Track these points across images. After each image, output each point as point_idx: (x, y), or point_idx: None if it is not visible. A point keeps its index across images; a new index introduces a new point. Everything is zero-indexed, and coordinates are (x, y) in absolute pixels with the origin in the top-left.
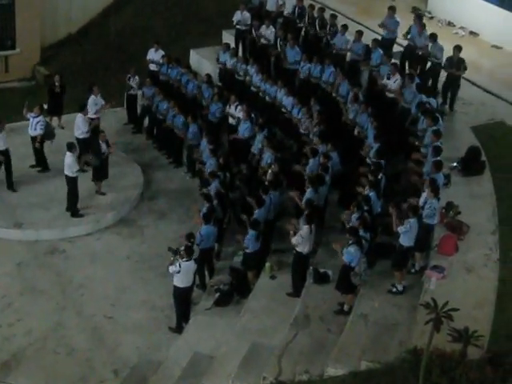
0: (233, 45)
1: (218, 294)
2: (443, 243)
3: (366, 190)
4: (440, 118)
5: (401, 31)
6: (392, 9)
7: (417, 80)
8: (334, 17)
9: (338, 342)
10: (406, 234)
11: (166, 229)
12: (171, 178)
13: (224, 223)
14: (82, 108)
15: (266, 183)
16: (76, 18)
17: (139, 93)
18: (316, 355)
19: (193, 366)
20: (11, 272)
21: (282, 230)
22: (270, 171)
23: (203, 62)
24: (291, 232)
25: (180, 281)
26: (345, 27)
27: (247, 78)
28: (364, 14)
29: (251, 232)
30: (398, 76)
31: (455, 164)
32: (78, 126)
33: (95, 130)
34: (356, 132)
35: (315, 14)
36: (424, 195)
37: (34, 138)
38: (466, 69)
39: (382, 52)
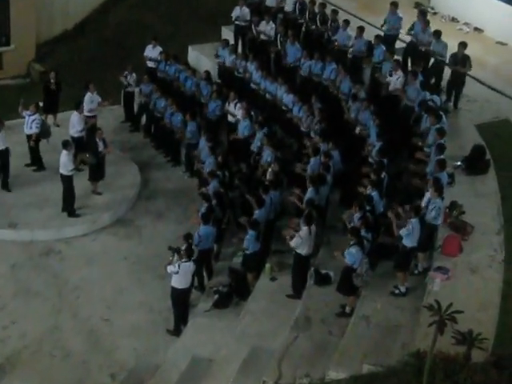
0: (232, 41)
1: (216, 296)
2: (447, 244)
3: (368, 189)
4: (444, 116)
5: (404, 27)
6: (394, 4)
7: (420, 77)
8: (335, 12)
9: (339, 345)
10: (408, 235)
11: (164, 229)
12: (169, 177)
13: (223, 223)
14: (78, 106)
15: (266, 183)
16: (72, 14)
17: (137, 90)
18: (317, 358)
19: (191, 369)
20: (5, 273)
21: (282, 231)
22: (269, 170)
23: (202, 58)
24: (287, 237)
25: (178, 282)
26: (346, 22)
27: (247, 74)
28: (365, 10)
29: (251, 232)
30: (400, 73)
31: (459, 163)
32: (73, 124)
33: (92, 127)
34: (358, 130)
35: (316, 10)
36: (427, 195)
37: (29, 137)
38: (471, 66)
39: (384, 48)
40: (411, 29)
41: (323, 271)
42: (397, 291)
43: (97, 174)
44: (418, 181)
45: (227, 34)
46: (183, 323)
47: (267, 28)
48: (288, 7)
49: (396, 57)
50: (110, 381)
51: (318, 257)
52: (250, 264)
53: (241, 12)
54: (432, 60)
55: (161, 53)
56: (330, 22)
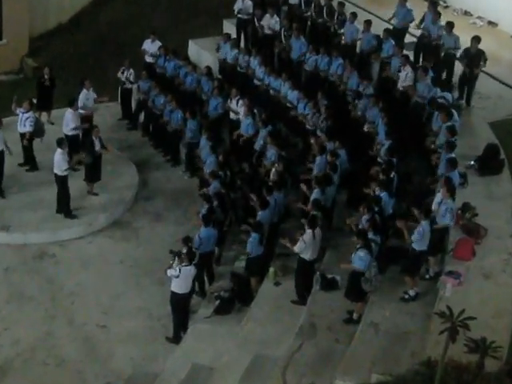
0: (234, 35)
1: (218, 302)
2: (459, 247)
3: (376, 190)
4: (456, 114)
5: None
6: None
7: (431, 73)
8: (341, 5)
9: (346, 353)
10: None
11: (163, 231)
12: (168, 177)
13: (225, 225)
14: (72, 103)
15: (270, 183)
16: (67, 7)
17: (134, 86)
18: (323, 367)
19: (191, 378)
20: None
21: (287, 233)
22: (273, 170)
23: (202, 53)
24: (287, 244)
25: (178, 286)
26: (354, 15)
27: (249, 70)
28: (373, 3)
29: (254, 235)
30: (408, 68)
31: (472, 162)
32: (66, 121)
33: (89, 127)
34: (366, 128)
35: (322, 2)
36: (439, 195)
37: (22, 135)
38: (486, 61)
39: (393, 43)
40: (421, 22)
41: (329, 276)
42: (406, 296)
43: (93, 174)
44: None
45: (229, 27)
46: (183, 330)
47: (271, 21)
48: None
49: (405, 51)
50: None
51: (324, 261)
52: (253, 268)
53: (243, 4)
54: (442, 54)
55: (160, 47)
56: (336, 15)
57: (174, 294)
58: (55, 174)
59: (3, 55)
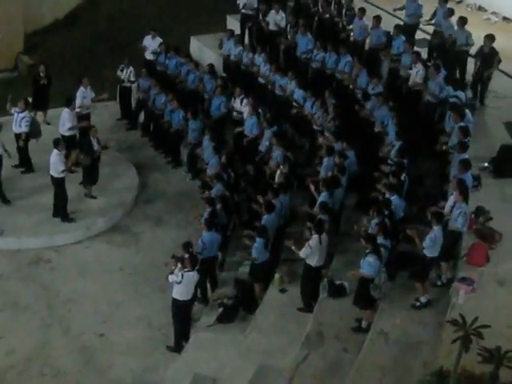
0: (238, 31)
1: (221, 309)
2: (473, 253)
3: (386, 192)
4: (469, 114)
5: (425, 16)
6: None
7: (443, 71)
8: None
9: (355, 363)
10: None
11: (164, 236)
12: (169, 179)
13: (228, 230)
14: (69, 102)
15: (275, 185)
16: (64, 2)
17: (134, 85)
18: (330, 378)
19: None
20: None
21: (292, 237)
22: (278, 172)
23: (205, 50)
24: (293, 247)
25: (179, 293)
26: (362, 11)
27: (254, 68)
28: None
29: (259, 240)
30: (420, 66)
31: (486, 164)
32: (63, 121)
33: (85, 128)
34: (376, 128)
35: None
36: (451, 198)
37: (18, 136)
38: (500, 62)
39: (404, 39)
40: (432, 17)
41: (337, 282)
42: (417, 303)
43: (91, 176)
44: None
45: (233, 23)
46: (184, 339)
47: (276, 17)
48: None
49: (417, 48)
50: None
51: (331, 266)
52: (258, 274)
53: None
54: (456, 51)
55: (160, 44)
56: (344, 10)
57: (175, 300)
58: (51, 176)
59: None
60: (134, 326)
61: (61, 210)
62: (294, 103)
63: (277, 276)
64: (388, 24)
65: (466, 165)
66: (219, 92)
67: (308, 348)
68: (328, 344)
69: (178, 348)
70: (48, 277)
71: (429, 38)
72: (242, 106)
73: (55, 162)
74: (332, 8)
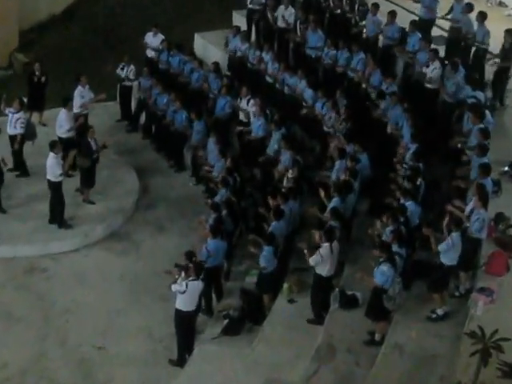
0: (244, 28)
1: (226, 321)
2: (492, 262)
3: (401, 198)
4: (489, 115)
5: (440, 11)
6: None
7: (462, 70)
8: None
9: (367, 378)
10: (447, 251)
11: (166, 244)
12: (172, 184)
13: (234, 237)
14: (66, 102)
15: (284, 190)
16: None
17: (135, 84)
18: None
19: None
20: None
21: (299, 243)
22: (287, 176)
23: (210, 47)
24: (305, 251)
25: (183, 303)
26: (376, 6)
27: (261, 66)
28: None
29: (267, 248)
30: (437, 64)
31: (506, 168)
32: (60, 123)
33: (82, 127)
34: (389, 130)
35: None
36: (470, 204)
37: (12, 138)
38: None
39: (420, 36)
40: (449, 12)
41: (349, 292)
42: (434, 315)
43: (89, 179)
44: (459, 182)
45: (239, 19)
46: (188, 352)
47: (285, 13)
48: None
49: (433, 46)
50: None
51: (343, 276)
52: (266, 284)
53: None
54: (474, 49)
55: (163, 41)
56: (357, 5)
57: (178, 311)
58: (48, 181)
59: None
60: (134, 337)
61: (58, 216)
62: (304, 103)
63: (285, 286)
64: (403, 20)
65: (485, 169)
66: (225, 92)
67: (318, 362)
68: (339, 358)
69: (180, 361)
70: (44, 286)
71: (446, 34)
72: (248, 106)
73: (52, 166)
74: (344, 3)
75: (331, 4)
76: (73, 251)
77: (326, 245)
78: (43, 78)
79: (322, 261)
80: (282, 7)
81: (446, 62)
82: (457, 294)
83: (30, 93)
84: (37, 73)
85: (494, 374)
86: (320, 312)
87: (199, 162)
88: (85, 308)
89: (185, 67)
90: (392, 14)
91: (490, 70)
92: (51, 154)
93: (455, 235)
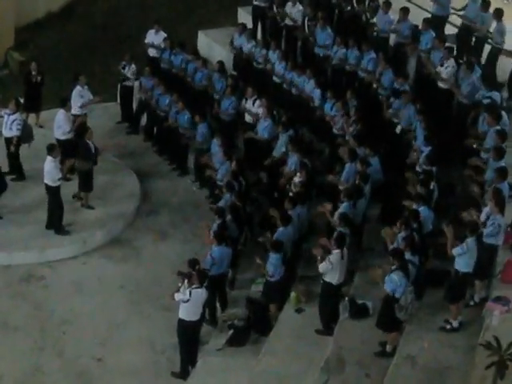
0: (250, 25)
1: (231, 331)
2: (508, 269)
3: (414, 203)
4: (505, 116)
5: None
6: None
7: (478, 70)
8: None
9: None
10: (462, 256)
11: (168, 251)
12: (174, 188)
13: (239, 243)
14: (65, 102)
15: (292, 195)
16: None
17: (136, 84)
18: None
19: None
20: None
21: (310, 253)
22: (295, 180)
23: (214, 46)
24: (318, 257)
25: (186, 313)
26: (387, 4)
27: (268, 65)
28: None
29: (275, 256)
30: (451, 62)
31: None
32: (59, 124)
33: (80, 128)
34: (398, 130)
35: None
36: (486, 209)
37: (8, 140)
38: None
39: (434, 34)
40: (463, 8)
41: (359, 301)
42: (448, 326)
43: (88, 183)
44: (477, 189)
45: (244, 16)
46: (191, 364)
47: (293, 9)
48: None
49: (448, 44)
50: None
51: (353, 284)
52: (272, 293)
53: None
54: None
55: (165, 39)
56: (368, 1)
57: (181, 321)
58: (46, 185)
59: None
60: (135, 348)
61: (55, 222)
62: (312, 104)
63: (293, 295)
64: (416, 18)
65: (502, 173)
66: (229, 92)
67: (327, 374)
68: (349, 370)
69: (184, 374)
70: (41, 295)
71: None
72: (254, 107)
73: (50, 170)
74: None
75: (341, 0)
76: (71, 258)
77: (336, 251)
78: (39, 78)
79: (331, 268)
80: (289, 3)
81: (461, 61)
82: (471, 303)
83: (27, 93)
84: (33, 72)
85: None
86: (329, 322)
87: (203, 165)
88: (83, 318)
89: (188, 67)
90: (404, 11)
91: (506, 70)
92: (49, 158)
93: (470, 240)
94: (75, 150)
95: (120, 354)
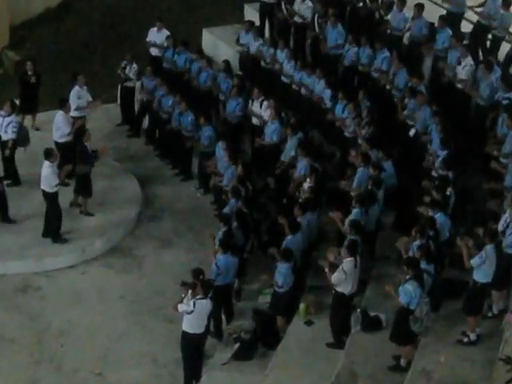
0: (257, 23)
1: (237, 345)
2: None
3: (429, 210)
4: None
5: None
6: None
7: (498, 70)
8: None
9: None
10: (481, 266)
11: (171, 260)
12: (178, 194)
13: (245, 252)
14: (63, 103)
15: (301, 201)
16: None
17: (137, 85)
18: None
19: None
20: None
21: (319, 260)
22: (304, 186)
23: (219, 44)
24: (326, 269)
25: (189, 325)
26: (402, 1)
27: (276, 65)
28: None
29: (285, 265)
30: (469, 60)
31: None
32: (57, 126)
33: (79, 131)
34: (412, 133)
35: None
36: (505, 217)
37: (3, 143)
38: None
39: (450, 33)
40: (481, 5)
41: (372, 313)
42: (465, 339)
43: (87, 188)
44: (493, 202)
45: (251, 13)
46: (195, 379)
47: (302, 7)
48: None
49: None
50: None
51: (365, 295)
52: (281, 304)
53: None
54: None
55: (168, 37)
56: None
57: (185, 333)
58: (43, 191)
59: None
60: (136, 362)
61: (53, 230)
62: (323, 106)
63: (302, 306)
64: (431, 15)
65: None
66: (235, 93)
67: None
68: None
69: None
70: (38, 306)
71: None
72: (261, 109)
73: (47, 176)
74: None
75: None
76: (69, 268)
77: (349, 259)
78: (34, 78)
79: (345, 278)
80: (298, 0)
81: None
82: (490, 314)
83: (22, 94)
84: (29, 72)
85: None
86: (340, 335)
87: (208, 169)
88: (82, 330)
89: (192, 66)
90: (419, 7)
91: None
92: (46, 163)
93: (489, 247)
94: (74, 154)
95: (120, 367)
